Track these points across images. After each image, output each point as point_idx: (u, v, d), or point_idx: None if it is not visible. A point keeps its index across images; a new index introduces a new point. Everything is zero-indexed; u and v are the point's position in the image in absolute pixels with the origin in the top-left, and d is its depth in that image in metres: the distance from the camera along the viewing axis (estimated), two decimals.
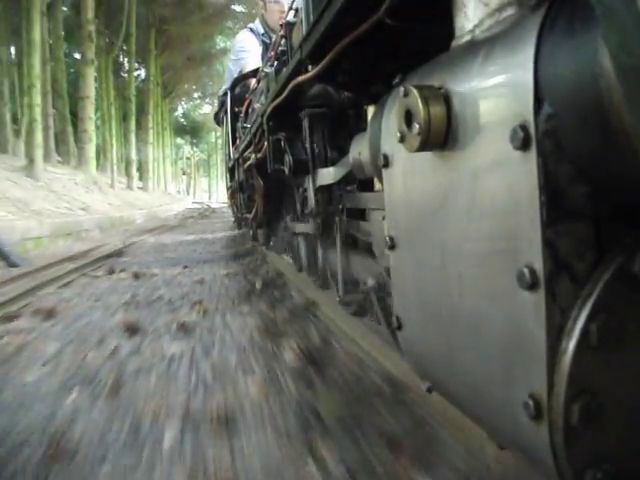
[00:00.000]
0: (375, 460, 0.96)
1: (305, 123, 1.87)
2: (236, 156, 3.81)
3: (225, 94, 4.60)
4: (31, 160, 9.74)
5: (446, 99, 0.60)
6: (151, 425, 1.16)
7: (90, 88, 13.09)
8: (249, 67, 4.10)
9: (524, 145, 0.47)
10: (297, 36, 1.46)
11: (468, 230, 0.59)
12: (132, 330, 1.96)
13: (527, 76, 0.47)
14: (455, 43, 0.67)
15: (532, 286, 0.48)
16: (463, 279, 0.61)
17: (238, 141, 3.70)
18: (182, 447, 1.05)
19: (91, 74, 13.24)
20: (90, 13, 13.05)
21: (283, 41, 1.93)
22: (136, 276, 3.45)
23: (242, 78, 4.13)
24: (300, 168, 1.90)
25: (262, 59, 4.04)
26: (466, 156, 0.58)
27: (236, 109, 3.94)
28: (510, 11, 0.55)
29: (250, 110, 3.12)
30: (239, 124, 3.58)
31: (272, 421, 1.15)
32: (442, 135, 0.61)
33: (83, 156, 13.10)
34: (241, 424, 1.14)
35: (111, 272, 3.74)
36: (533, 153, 0.47)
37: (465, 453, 0.95)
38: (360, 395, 1.26)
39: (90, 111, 12.91)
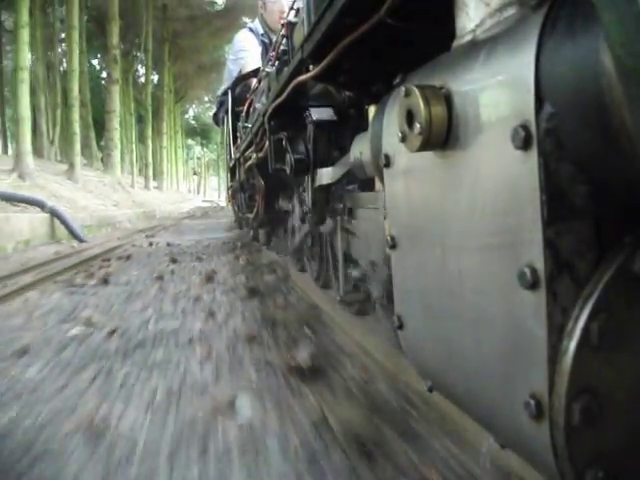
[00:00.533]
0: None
1: (306, 123, 1.87)
2: (237, 156, 3.81)
3: (224, 94, 4.59)
4: (71, 165, 12.30)
5: (447, 99, 0.60)
6: (189, 276, 3.38)
7: (115, 103, 15.24)
8: (249, 67, 4.09)
9: (525, 145, 0.47)
10: (298, 36, 1.46)
11: (469, 229, 0.59)
12: (174, 260, 4.19)
13: (528, 76, 0.47)
14: (456, 43, 0.67)
15: (533, 285, 0.48)
16: (464, 278, 0.61)
17: (239, 141, 3.70)
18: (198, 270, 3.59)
19: (116, 91, 15.40)
20: (115, 39, 15.22)
21: (284, 41, 1.93)
22: (168, 244, 5.75)
23: (243, 78, 4.13)
24: (301, 167, 1.90)
25: (262, 59, 4.04)
26: (467, 156, 0.58)
27: (237, 109, 3.94)
28: (511, 11, 0.55)
29: (251, 110, 3.13)
30: (240, 124, 3.58)
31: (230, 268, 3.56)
32: (443, 135, 0.61)
33: (110, 161, 15.66)
34: (219, 272, 3.45)
35: (150, 244, 5.87)
36: (534, 152, 0.47)
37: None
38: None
39: (115, 123, 15.20)
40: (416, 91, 0.61)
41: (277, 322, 2.09)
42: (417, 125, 0.62)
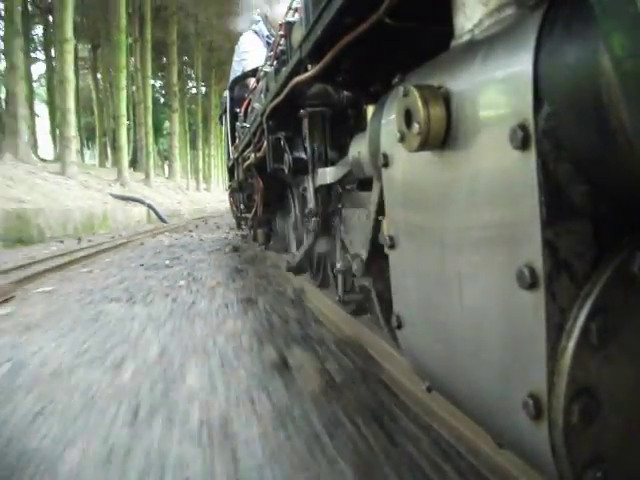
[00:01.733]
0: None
1: (304, 123, 1.87)
2: (235, 156, 3.81)
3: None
4: (147, 175, 17.83)
5: (446, 99, 0.60)
6: (200, 243, 6.32)
7: (175, 126, 21.57)
8: (250, 68, 4.10)
9: (523, 145, 0.47)
10: (296, 35, 1.46)
11: (467, 229, 0.59)
12: (218, 226, 9.65)
13: (526, 76, 0.47)
14: (455, 43, 0.67)
15: (532, 285, 0.48)
16: (462, 278, 0.61)
17: (237, 141, 3.70)
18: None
19: (176, 118, 21.67)
20: (175, 77, 21.36)
21: (283, 41, 1.93)
22: (215, 223, 10.71)
23: (241, 78, 4.13)
24: (300, 167, 1.89)
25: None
26: (465, 156, 0.58)
27: (236, 109, 3.94)
28: (509, 11, 0.55)
29: (249, 110, 3.12)
30: (238, 124, 3.58)
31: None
32: (441, 135, 0.61)
33: (172, 170, 22.77)
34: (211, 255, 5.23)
35: (205, 223, 11.24)
36: (532, 152, 0.47)
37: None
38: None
39: (175, 141, 21.68)
40: (414, 91, 0.61)
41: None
42: (415, 125, 0.61)
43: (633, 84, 0.38)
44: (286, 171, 1.96)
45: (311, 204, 1.89)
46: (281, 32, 1.91)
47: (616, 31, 0.38)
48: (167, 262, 4.22)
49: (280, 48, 2.03)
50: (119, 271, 3.83)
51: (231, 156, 4.27)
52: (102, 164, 20.80)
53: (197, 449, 1.06)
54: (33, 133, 17.72)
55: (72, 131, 11.70)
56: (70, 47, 12.08)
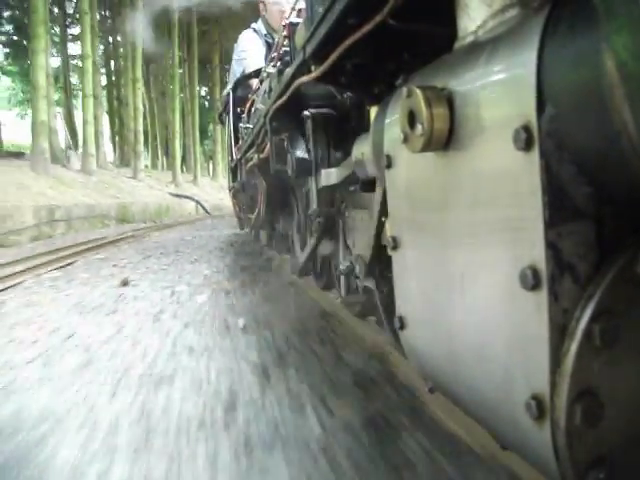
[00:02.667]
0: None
1: (307, 124, 1.87)
2: (238, 156, 3.81)
3: (229, 94, 4.59)
4: (195, 177, 20.73)
5: (449, 100, 0.60)
6: (213, 225, 9.73)
7: (218, 135, 22.56)
8: (251, 66, 4.09)
9: (527, 146, 0.47)
10: (300, 37, 1.46)
11: (470, 230, 0.59)
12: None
13: (530, 77, 0.47)
14: (458, 44, 0.67)
15: (535, 286, 0.48)
16: (465, 279, 0.61)
17: (240, 141, 3.70)
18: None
19: (219, 129, 21.65)
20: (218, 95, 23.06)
21: (286, 41, 1.93)
22: None
23: (244, 78, 4.13)
24: (303, 168, 1.90)
25: (265, 59, 4.04)
26: (469, 157, 0.58)
27: (238, 109, 3.94)
28: (513, 12, 0.56)
29: (252, 110, 3.13)
30: (241, 124, 3.58)
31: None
32: (445, 136, 0.61)
33: (215, 171, 24.59)
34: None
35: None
36: (536, 154, 0.47)
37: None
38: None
39: (218, 147, 22.73)
40: (418, 92, 0.61)
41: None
42: (419, 126, 0.62)
43: (636, 86, 0.38)
44: (289, 172, 1.97)
45: (314, 205, 1.89)
46: (284, 33, 1.91)
47: (620, 32, 0.38)
48: (207, 231, 8.08)
49: (283, 49, 2.04)
50: (186, 231, 8.15)
51: (234, 157, 4.27)
52: (154, 165, 23.33)
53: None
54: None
55: (141, 147, 16.57)
56: (140, 84, 16.95)
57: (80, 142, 14.53)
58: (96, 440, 1.13)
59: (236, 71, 4.40)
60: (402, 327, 0.82)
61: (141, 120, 16.62)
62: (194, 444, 1.09)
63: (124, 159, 20.02)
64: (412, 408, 1.21)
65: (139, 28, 15.48)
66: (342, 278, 1.91)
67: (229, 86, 4.66)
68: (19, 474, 1.02)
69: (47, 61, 10.81)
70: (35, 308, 2.52)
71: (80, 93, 15.44)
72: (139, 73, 16.56)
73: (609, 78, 0.41)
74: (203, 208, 15.90)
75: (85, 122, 13.05)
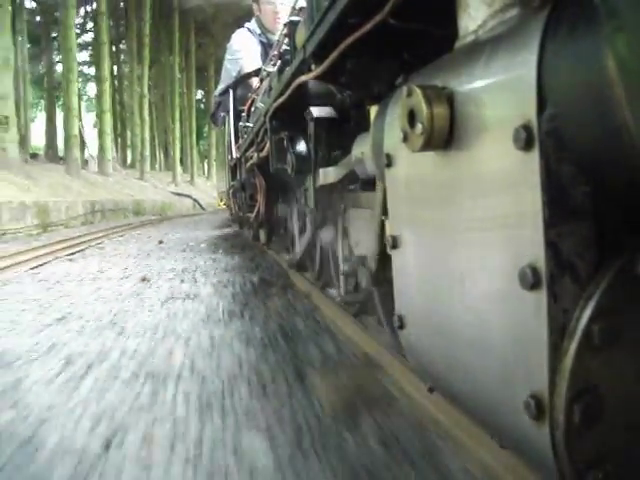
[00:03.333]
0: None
1: (309, 123, 1.87)
2: (238, 155, 3.81)
3: (222, 94, 4.58)
4: (192, 176, 23.66)
5: (449, 99, 0.60)
6: (207, 217, 12.58)
7: (213, 139, 23.26)
8: (247, 66, 4.08)
9: (527, 145, 0.47)
10: (300, 35, 1.46)
11: (470, 230, 0.59)
12: None
13: (530, 76, 0.47)
14: (458, 43, 0.67)
15: (534, 286, 0.48)
16: (465, 278, 0.61)
17: (240, 140, 3.70)
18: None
19: (214, 134, 22.48)
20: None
21: (286, 40, 1.93)
22: None
23: (244, 78, 4.12)
24: (303, 167, 1.90)
25: (261, 58, 4.04)
26: (469, 156, 0.58)
27: (238, 108, 3.93)
28: (514, 12, 0.56)
29: (252, 109, 3.12)
30: (241, 123, 3.57)
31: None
32: (445, 135, 0.61)
33: (210, 172, 26.07)
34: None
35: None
36: (536, 153, 0.47)
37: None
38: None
39: (213, 151, 23.87)
40: (418, 91, 0.61)
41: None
42: (419, 125, 0.62)
43: (637, 85, 0.38)
44: (289, 171, 1.97)
45: (312, 204, 1.89)
46: (285, 32, 1.91)
47: (620, 32, 0.38)
48: (203, 221, 10.66)
49: (284, 48, 2.04)
50: (188, 219, 11.15)
51: (233, 155, 4.26)
52: (152, 166, 23.54)
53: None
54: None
55: (147, 152, 19.23)
56: (147, 99, 20.20)
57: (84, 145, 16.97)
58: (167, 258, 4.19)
59: (230, 70, 4.38)
60: (401, 326, 0.82)
61: (147, 128, 19.58)
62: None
63: (124, 160, 22.90)
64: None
65: (145, 52, 18.64)
66: (342, 278, 1.90)
67: (221, 86, 4.64)
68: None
69: (77, 88, 13.83)
70: (120, 248, 5.15)
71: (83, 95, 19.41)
72: (146, 90, 19.86)
73: (609, 78, 0.41)
74: (199, 205, 19.16)
75: (103, 132, 15.48)
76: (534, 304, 0.48)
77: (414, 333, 0.79)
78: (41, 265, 3.89)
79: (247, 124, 3.24)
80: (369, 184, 1.58)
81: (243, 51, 4.21)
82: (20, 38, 16.17)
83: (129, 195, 14.26)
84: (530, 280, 0.48)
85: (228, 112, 4.46)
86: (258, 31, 4.27)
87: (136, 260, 4.07)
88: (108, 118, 15.69)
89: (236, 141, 4.13)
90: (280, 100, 1.77)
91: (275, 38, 3.94)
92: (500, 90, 0.52)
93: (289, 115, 1.93)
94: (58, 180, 11.32)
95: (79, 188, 11.66)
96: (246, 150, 3.19)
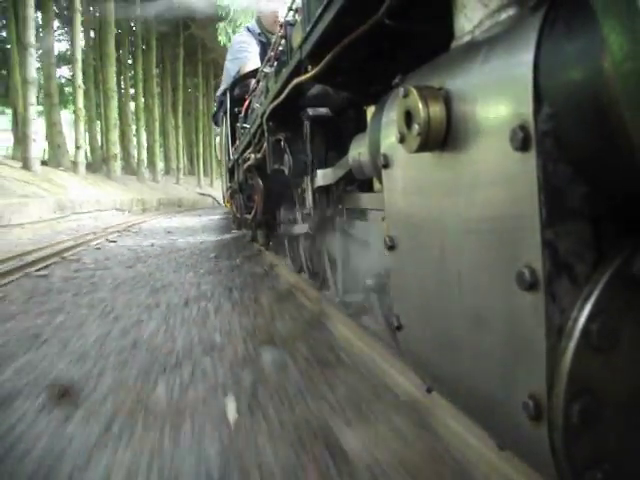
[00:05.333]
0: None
1: (304, 124, 1.87)
2: (235, 156, 3.81)
3: (223, 94, 4.58)
4: (211, 181, 29.36)
5: (446, 100, 0.60)
6: (222, 208, 13.46)
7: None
8: (247, 66, 4.09)
9: (524, 146, 0.47)
10: (297, 36, 1.46)
11: (467, 230, 0.59)
12: None
13: (527, 77, 0.47)
14: (455, 44, 0.67)
15: (532, 286, 0.48)
16: (463, 279, 0.61)
17: (237, 142, 3.69)
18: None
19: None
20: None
21: (282, 41, 1.93)
22: None
23: (241, 78, 4.12)
24: (300, 168, 1.89)
25: (260, 59, 4.05)
26: (466, 157, 0.58)
27: (235, 109, 3.93)
28: (510, 12, 0.55)
29: (249, 110, 3.12)
30: (238, 124, 3.57)
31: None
32: (442, 136, 0.61)
33: (213, 175, 30.11)
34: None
35: None
36: (533, 154, 0.47)
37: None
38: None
39: (214, 164, 29.37)
40: (415, 92, 0.61)
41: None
42: (416, 126, 0.61)
43: (633, 85, 0.38)
44: (286, 172, 1.96)
45: (310, 205, 1.89)
46: (281, 33, 1.91)
47: (616, 32, 0.38)
48: (217, 208, 16.80)
49: (280, 49, 2.03)
50: (209, 209, 17.93)
51: (231, 157, 4.26)
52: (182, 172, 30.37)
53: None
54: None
55: (182, 163, 26.33)
56: (180, 130, 27.00)
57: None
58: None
59: (230, 70, 4.39)
60: (399, 327, 0.82)
61: (182, 144, 26.82)
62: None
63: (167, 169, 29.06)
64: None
65: (179, 93, 25.40)
66: (339, 278, 1.90)
67: (223, 86, 4.65)
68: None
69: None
70: (183, 219, 11.70)
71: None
72: (180, 121, 26.36)
73: (606, 78, 0.41)
74: (217, 202, 23.12)
75: (154, 154, 22.69)
76: (532, 305, 0.48)
77: (412, 333, 0.79)
78: (155, 218, 11.86)
79: (244, 125, 3.23)
80: (366, 185, 1.58)
81: (243, 52, 4.23)
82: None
83: (172, 194, 20.99)
84: (528, 281, 0.48)
85: (225, 113, 4.46)
86: (257, 30, 4.28)
87: (191, 218, 11.89)
88: (157, 145, 23.22)
89: (233, 142, 4.13)
90: (277, 101, 1.76)
91: (272, 39, 3.96)
92: (497, 90, 0.52)
93: (286, 116, 1.92)
94: (136, 186, 18.47)
95: (147, 190, 18.94)
96: (243, 151, 3.19)
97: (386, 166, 0.81)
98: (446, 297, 0.65)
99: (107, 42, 17.62)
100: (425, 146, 0.62)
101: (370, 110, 1.34)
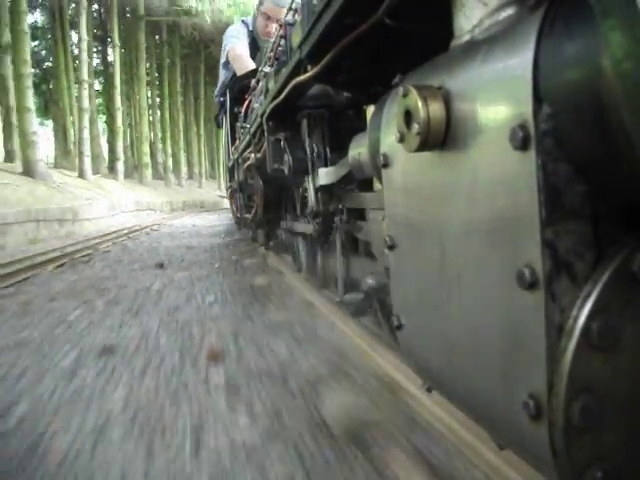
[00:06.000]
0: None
1: (304, 123, 1.87)
2: (236, 156, 3.81)
3: (222, 94, 4.58)
4: (200, 184, 27.51)
5: (445, 99, 0.60)
6: (223, 211, 15.74)
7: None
8: (238, 47, 4.12)
9: (523, 145, 0.47)
10: (296, 36, 1.46)
11: (467, 230, 0.59)
12: None
13: (526, 76, 0.47)
14: (454, 43, 0.67)
15: (532, 286, 0.48)
16: (462, 278, 0.61)
17: (237, 141, 3.69)
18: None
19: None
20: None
21: (282, 41, 1.93)
22: None
23: (240, 78, 4.12)
24: (300, 168, 1.90)
25: (250, 50, 4.10)
26: (465, 156, 0.58)
27: (235, 109, 3.93)
28: (509, 11, 0.55)
29: (249, 110, 3.12)
30: (238, 124, 3.57)
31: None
32: (441, 135, 0.61)
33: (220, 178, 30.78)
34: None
35: None
36: (532, 153, 0.47)
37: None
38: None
39: (221, 166, 29.28)
40: (414, 91, 0.61)
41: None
42: (415, 125, 0.61)
43: (632, 84, 0.38)
44: (286, 172, 1.96)
45: (313, 204, 1.89)
46: (281, 33, 1.91)
47: (615, 31, 0.38)
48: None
49: (280, 49, 2.03)
50: (226, 210, 12.70)
51: (231, 157, 4.26)
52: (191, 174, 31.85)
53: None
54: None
55: (204, 168, 28.61)
56: (203, 138, 29.43)
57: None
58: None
59: (222, 57, 4.42)
60: (399, 326, 0.82)
61: (203, 152, 29.29)
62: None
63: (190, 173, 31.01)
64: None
65: (201, 104, 27.41)
66: (339, 278, 1.91)
67: (220, 84, 4.65)
68: None
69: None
70: (205, 216, 14.20)
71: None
72: (202, 130, 28.72)
73: (605, 77, 0.41)
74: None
75: (178, 161, 24.57)
76: (532, 304, 0.48)
77: (412, 333, 0.79)
78: (182, 217, 13.94)
79: (244, 125, 3.23)
80: (366, 184, 1.58)
81: (233, 38, 4.24)
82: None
83: (195, 196, 23.27)
84: (528, 280, 0.48)
85: (225, 113, 4.46)
86: (251, 28, 4.30)
87: (211, 215, 14.42)
88: (182, 153, 25.32)
89: (233, 142, 4.13)
90: (277, 101, 1.76)
91: (262, 44, 4.00)
92: (496, 90, 0.52)
93: (286, 116, 1.93)
94: (164, 189, 20.87)
95: (173, 193, 21.41)
96: (243, 151, 3.19)
97: (386, 165, 0.81)
98: (446, 297, 0.65)
99: (139, 66, 20.48)
100: (425, 145, 0.62)
101: (370, 110, 1.34)
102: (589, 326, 0.46)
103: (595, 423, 0.47)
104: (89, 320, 2.24)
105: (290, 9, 1.87)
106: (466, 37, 0.63)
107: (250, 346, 1.75)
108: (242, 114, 3.41)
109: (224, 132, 4.82)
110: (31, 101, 10.85)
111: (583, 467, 0.47)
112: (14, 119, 11.33)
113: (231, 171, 4.41)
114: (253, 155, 2.63)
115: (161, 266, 3.92)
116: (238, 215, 4.40)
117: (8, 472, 1.03)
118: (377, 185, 1.44)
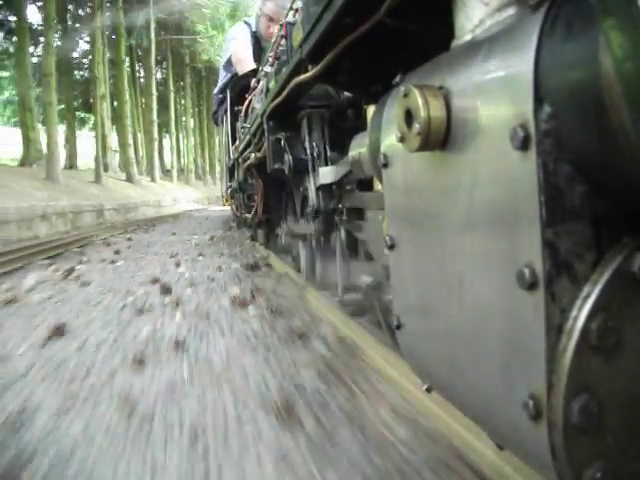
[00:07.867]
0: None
1: (304, 123, 1.87)
2: (236, 156, 3.80)
3: (221, 92, 4.58)
4: (205, 182, 32.07)
5: (446, 99, 0.60)
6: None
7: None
8: (235, 53, 4.12)
9: (524, 145, 0.47)
10: (297, 36, 1.46)
11: (467, 230, 0.59)
12: None
13: (527, 76, 0.47)
14: (455, 43, 0.67)
15: (531, 286, 0.48)
16: (462, 279, 0.61)
17: (238, 141, 3.69)
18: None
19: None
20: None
21: (283, 41, 1.93)
22: None
23: (241, 78, 4.12)
24: (300, 167, 1.90)
25: (253, 50, 4.11)
26: (466, 156, 0.58)
27: (235, 108, 3.93)
28: (510, 11, 0.55)
29: (250, 110, 3.12)
30: (238, 123, 3.57)
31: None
32: (442, 135, 0.61)
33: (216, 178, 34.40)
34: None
35: None
36: (533, 153, 0.47)
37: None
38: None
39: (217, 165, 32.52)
40: (415, 91, 0.61)
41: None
42: (416, 125, 0.61)
43: (634, 85, 0.38)
44: (286, 171, 1.96)
45: (313, 203, 1.89)
46: (282, 32, 1.91)
47: (617, 31, 0.38)
48: None
49: (280, 48, 2.03)
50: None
51: (231, 156, 4.25)
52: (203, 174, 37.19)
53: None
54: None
55: (216, 171, 29.61)
56: (206, 144, 33.14)
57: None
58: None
59: (224, 58, 4.43)
60: (399, 326, 0.82)
61: (217, 157, 34.75)
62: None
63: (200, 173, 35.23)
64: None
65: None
66: (339, 278, 1.90)
67: (220, 82, 4.65)
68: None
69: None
70: (212, 209, 19.19)
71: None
72: (216, 142, 31.00)
73: (606, 77, 0.40)
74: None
75: (188, 163, 28.85)
76: (532, 304, 0.48)
77: (412, 333, 0.79)
78: (214, 206, 20.97)
79: (244, 124, 3.23)
80: (366, 184, 1.58)
81: (234, 40, 4.26)
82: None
83: (207, 192, 27.33)
84: (528, 280, 0.48)
85: (225, 112, 4.45)
86: (254, 29, 4.30)
87: (214, 205, 21.51)
88: (191, 156, 29.71)
89: (233, 142, 4.13)
90: (277, 101, 1.76)
91: (265, 45, 4.01)
92: (497, 89, 0.52)
93: (286, 115, 1.92)
94: (203, 188, 26.17)
95: (191, 189, 25.90)
96: (243, 151, 3.19)
97: (386, 165, 0.81)
98: (446, 297, 0.65)
99: (186, 99, 28.47)
100: (425, 145, 0.62)
101: (370, 109, 1.34)
102: (589, 326, 0.46)
103: (595, 423, 0.47)
104: (183, 228, 8.96)
105: (291, 9, 1.87)
106: (467, 37, 0.63)
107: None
108: (242, 114, 3.40)
109: (224, 132, 4.81)
110: (132, 150, 19.02)
111: (583, 467, 0.47)
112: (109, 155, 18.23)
113: (231, 171, 4.40)
114: (253, 155, 2.63)
115: (207, 218, 11.23)
116: (238, 214, 4.39)
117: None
118: (377, 185, 1.44)
